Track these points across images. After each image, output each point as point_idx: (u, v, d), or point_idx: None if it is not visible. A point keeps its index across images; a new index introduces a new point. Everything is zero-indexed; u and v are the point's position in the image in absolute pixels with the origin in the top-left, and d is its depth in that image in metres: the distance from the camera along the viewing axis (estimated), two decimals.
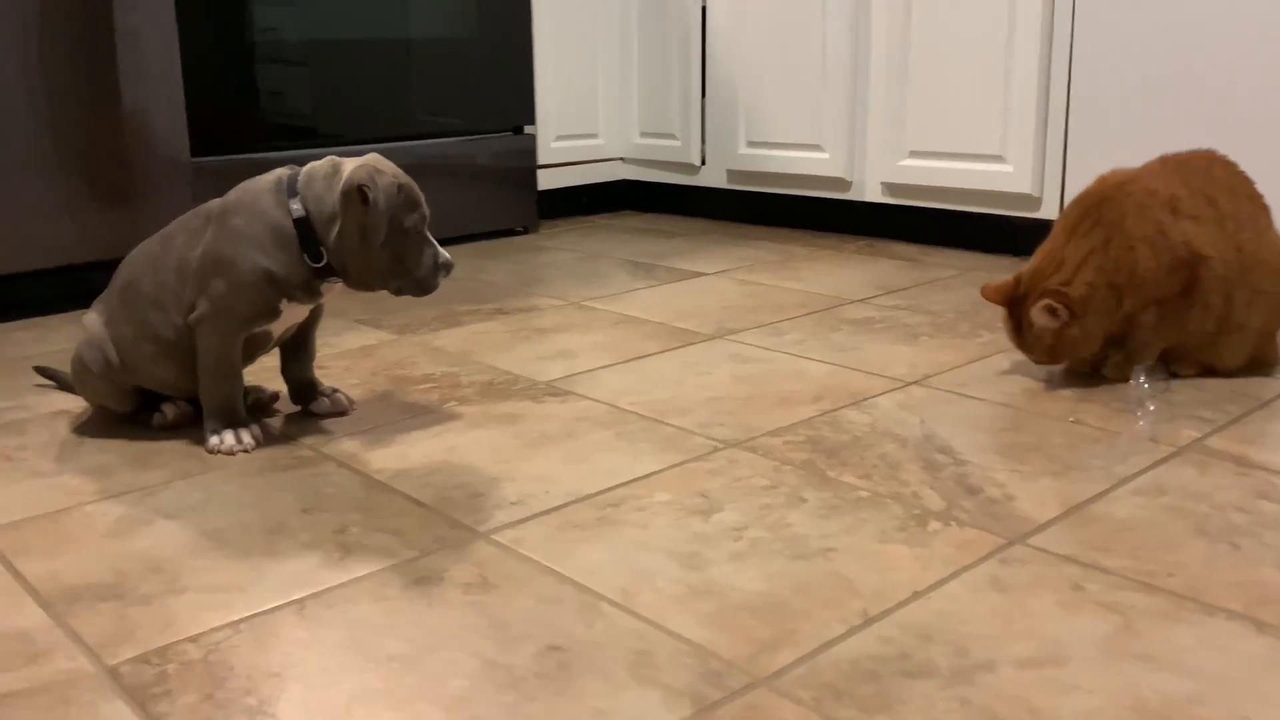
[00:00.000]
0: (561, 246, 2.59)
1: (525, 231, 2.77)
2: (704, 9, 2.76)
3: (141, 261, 1.32)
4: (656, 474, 1.19)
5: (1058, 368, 1.54)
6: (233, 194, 1.26)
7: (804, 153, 2.58)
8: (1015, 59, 2.21)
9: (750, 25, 2.63)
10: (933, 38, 2.32)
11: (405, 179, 1.25)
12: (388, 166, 1.25)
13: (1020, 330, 1.46)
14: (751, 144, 2.69)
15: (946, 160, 2.35)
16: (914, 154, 2.39)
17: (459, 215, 2.62)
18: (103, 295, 1.36)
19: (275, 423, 1.38)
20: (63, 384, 1.51)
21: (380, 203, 1.22)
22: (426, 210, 1.27)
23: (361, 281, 1.25)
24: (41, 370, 1.53)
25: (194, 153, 2.08)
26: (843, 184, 2.54)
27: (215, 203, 1.28)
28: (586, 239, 2.68)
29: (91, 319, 1.34)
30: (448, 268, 1.27)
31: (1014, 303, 1.46)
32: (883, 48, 2.41)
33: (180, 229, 1.29)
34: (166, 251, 1.29)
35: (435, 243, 1.27)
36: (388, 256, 1.24)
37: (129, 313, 1.30)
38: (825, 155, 2.54)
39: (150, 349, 1.29)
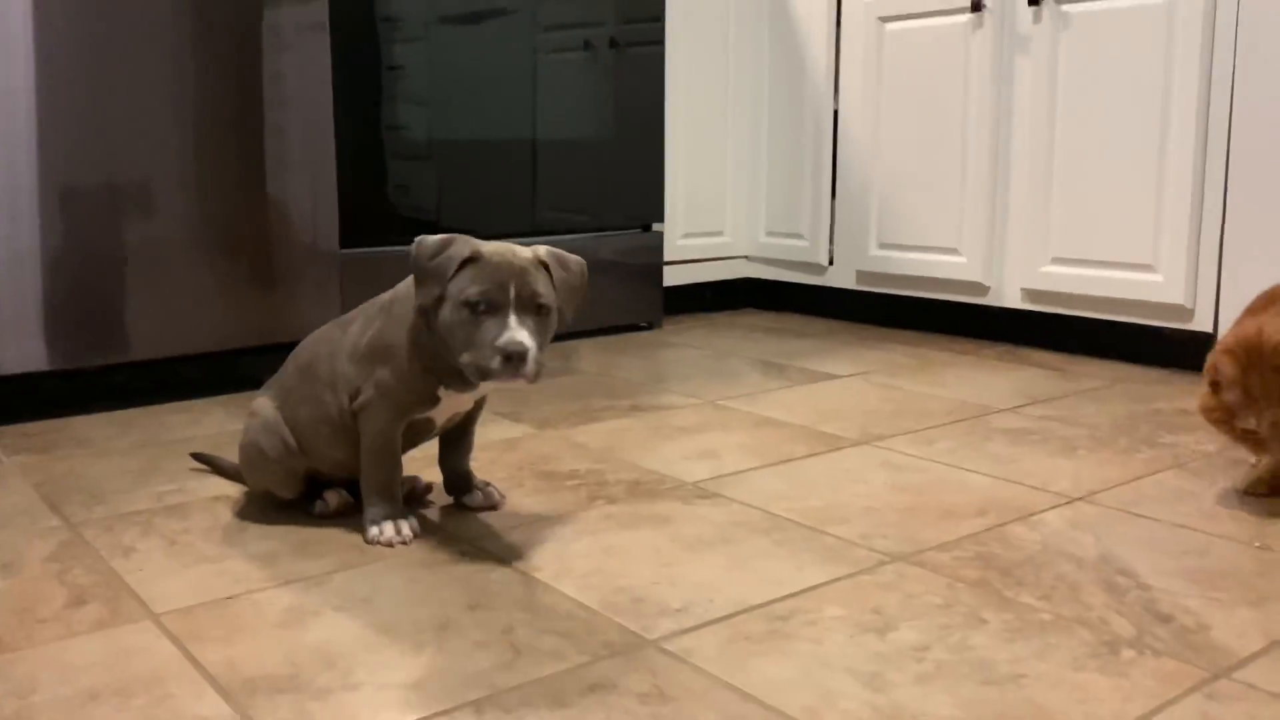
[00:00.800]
0: (688, 343, 2.60)
1: (650, 327, 2.80)
2: (836, 113, 2.80)
3: (320, 345, 1.37)
4: (824, 586, 1.17)
5: (1229, 488, 1.48)
6: (402, 284, 1.31)
7: (940, 256, 2.57)
8: (1168, 164, 2.18)
9: (885, 128, 2.65)
10: (1079, 142, 2.30)
11: (508, 258, 1.19)
12: (524, 253, 1.21)
13: (1249, 400, 1.35)
14: (883, 245, 2.69)
15: (1092, 268, 2.31)
16: (1057, 260, 2.36)
17: (587, 311, 2.66)
18: (272, 380, 1.42)
19: (429, 514, 1.40)
20: (220, 469, 1.55)
21: (415, 256, 1.22)
22: (515, 291, 1.17)
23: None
24: (199, 456, 1.59)
25: (343, 244, 2.17)
26: (980, 289, 2.52)
27: (388, 293, 1.33)
28: (713, 336, 2.69)
29: (264, 403, 1.39)
30: (506, 353, 1.15)
31: (1249, 368, 1.36)
32: (1025, 151, 2.40)
33: (358, 314, 1.33)
34: (343, 336, 1.34)
35: (514, 325, 1.16)
36: (452, 333, 1.20)
37: (306, 393, 1.34)
38: (962, 259, 2.53)
39: (326, 430, 1.33)
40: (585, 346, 2.56)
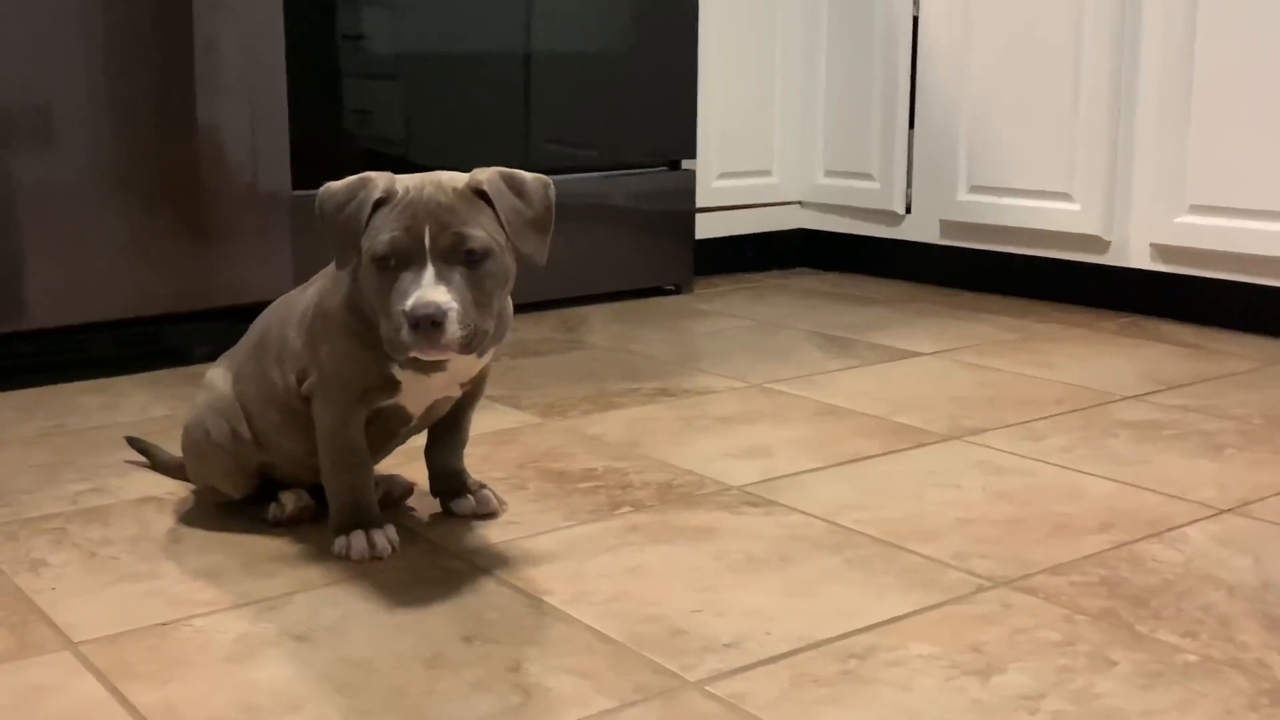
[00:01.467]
0: (726, 311, 2.60)
1: (677, 291, 2.81)
2: (915, 20, 2.78)
3: (276, 310, 1.37)
4: (908, 617, 1.17)
5: None
6: None
7: (1047, 202, 2.56)
8: None
9: (979, 41, 2.64)
10: (1225, 60, 2.29)
11: (427, 192, 1.18)
12: (451, 182, 1.20)
13: None
14: (975, 189, 2.68)
15: (1240, 219, 2.30)
16: (1196, 209, 2.35)
17: (595, 269, 2.67)
18: (231, 349, 1.42)
19: (410, 522, 1.41)
20: (156, 462, 1.57)
21: (319, 212, 1.21)
22: (431, 236, 1.15)
23: None
24: (134, 443, 1.60)
25: (296, 185, 2.17)
26: (1098, 244, 2.51)
27: None
28: (756, 303, 2.69)
29: (216, 377, 1.39)
30: (413, 318, 1.13)
31: None
32: (1156, 71, 2.39)
33: (322, 273, 1.34)
34: (298, 300, 1.34)
35: (428, 280, 1.15)
36: (370, 300, 1.20)
37: (256, 369, 1.35)
38: (1075, 207, 2.52)
39: (275, 415, 1.34)
40: (596, 314, 2.56)
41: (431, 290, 1.15)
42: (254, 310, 1.45)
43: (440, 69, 2.44)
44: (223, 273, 2.12)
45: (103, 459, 1.62)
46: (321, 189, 1.23)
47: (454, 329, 1.15)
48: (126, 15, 1.98)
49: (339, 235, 1.21)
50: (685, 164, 2.80)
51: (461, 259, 1.18)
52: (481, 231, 1.19)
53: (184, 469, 1.47)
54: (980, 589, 1.24)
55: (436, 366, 1.27)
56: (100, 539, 1.36)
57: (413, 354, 1.17)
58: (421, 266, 1.16)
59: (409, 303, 1.14)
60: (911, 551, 1.33)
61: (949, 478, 1.56)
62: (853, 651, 1.11)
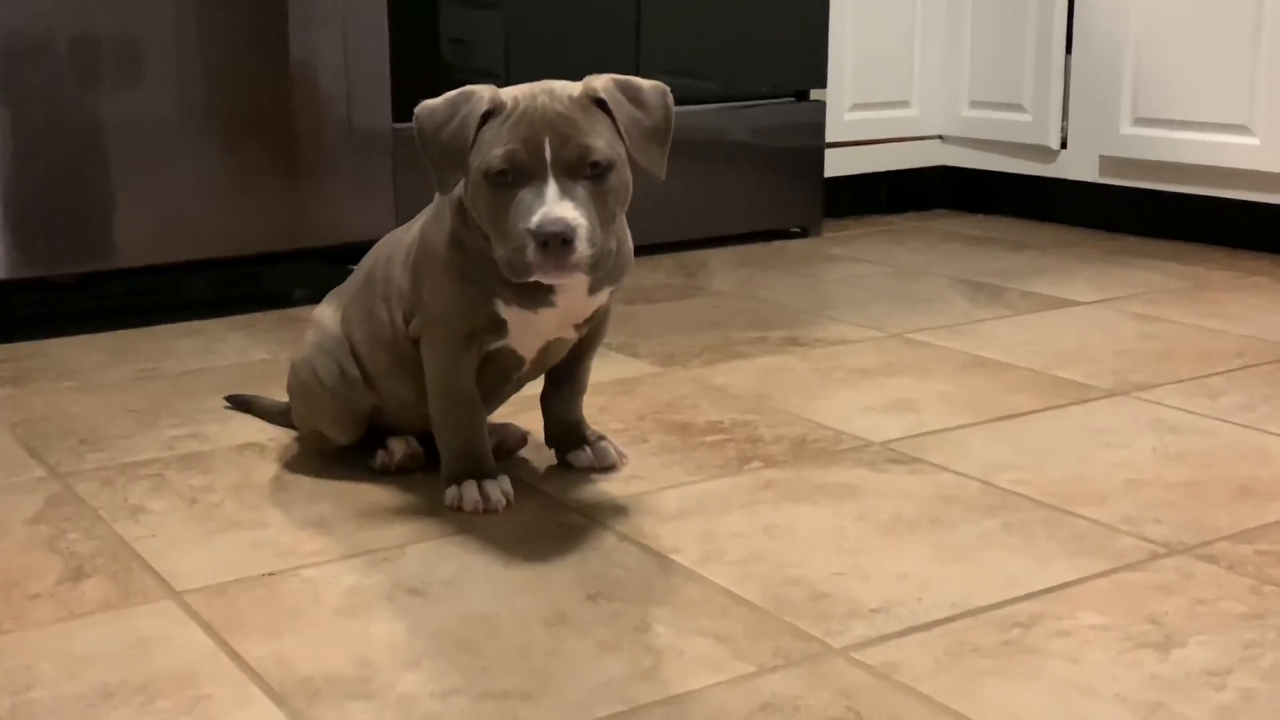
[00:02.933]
0: (859, 255, 2.58)
1: (804, 234, 2.78)
2: None
3: (384, 247, 1.39)
4: (1076, 585, 1.15)
5: None
6: None
7: (1222, 136, 2.48)
8: None
9: None
10: None
11: (542, 103, 1.17)
12: (565, 91, 1.19)
13: None
14: (1140, 121, 2.61)
15: None
16: None
17: (715, 210, 2.65)
18: (339, 287, 1.44)
19: (524, 474, 1.42)
20: (259, 410, 1.60)
21: (418, 132, 1.21)
22: (552, 148, 1.15)
23: None
24: (235, 400, 1.63)
25: (397, 118, 2.19)
26: (1278, 181, 2.43)
27: None
28: (893, 247, 2.66)
29: (324, 315, 1.42)
30: (540, 236, 1.13)
31: None
32: None
33: (429, 207, 1.34)
34: (404, 235, 1.36)
35: (552, 196, 1.14)
36: (483, 221, 1.21)
37: (364, 307, 1.37)
38: (1254, 141, 2.44)
39: (384, 357, 1.35)
40: (716, 259, 2.55)
41: (558, 205, 1.14)
42: (354, 251, 1.48)
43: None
44: (321, 211, 2.15)
45: (200, 403, 1.66)
46: (418, 107, 1.24)
47: (583, 247, 1.15)
48: None
49: (442, 155, 1.21)
50: (814, 94, 2.77)
51: (585, 172, 1.17)
52: (604, 142, 1.19)
53: (288, 414, 1.50)
54: (1156, 556, 1.21)
55: (545, 303, 1.27)
56: (201, 486, 1.39)
57: (536, 276, 1.17)
58: (542, 181, 1.16)
59: (534, 220, 1.14)
60: (1077, 515, 1.31)
61: (1117, 437, 1.53)
62: (1016, 620, 1.09)
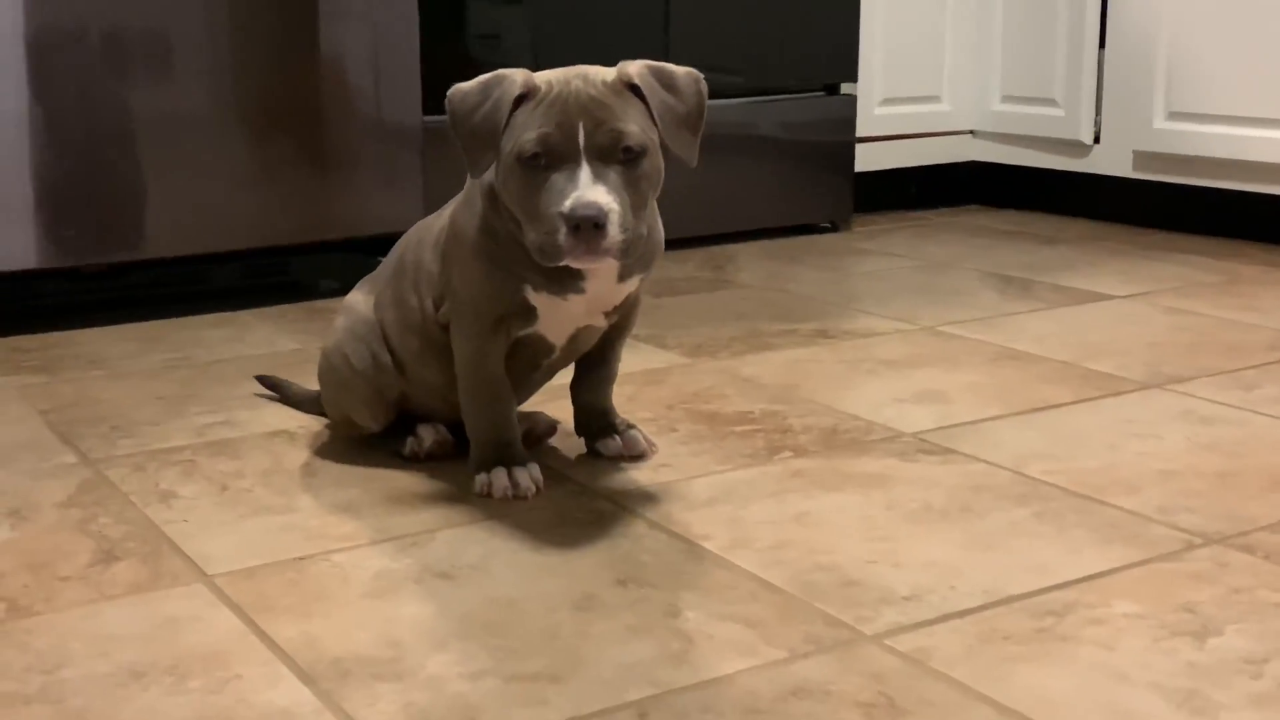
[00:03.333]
0: (889, 250, 2.57)
1: (833, 229, 2.78)
2: None
3: (414, 233, 1.39)
4: (1109, 574, 1.15)
5: None
6: None
7: (1257, 130, 2.46)
8: None
9: None
10: None
11: (576, 87, 1.17)
12: (599, 76, 1.19)
13: None
14: (1174, 115, 2.60)
15: None
16: None
17: (744, 204, 2.65)
18: (372, 273, 1.45)
19: (554, 462, 1.42)
20: (287, 396, 1.61)
21: (450, 115, 1.21)
22: (585, 133, 1.15)
23: None
24: (264, 380, 1.64)
25: (427, 110, 2.19)
26: None
27: None
28: (924, 241, 2.65)
29: (356, 301, 1.42)
30: (573, 220, 1.13)
31: None
32: None
33: (463, 192, 1.35)
34: (435, 222, 1.36)
35: (585, 180, 1.14)
36: (514, 204, 1.20)
37: (396, 293, 1.37)
38: None
39: (415, 343, 1.36)
40: (745, 253, 2.55)
41: (590, 190, 1.14)
42: (383, 242, 1.48)
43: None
44: (349, 203, 2.15)
45: (230, 391, 1.67)
46: (451, 90, 1.23)
47: (615, 232, 1.15)
48: None
49: (474, 137, 1.21)
50: (844, 88, 2.76)
51: (618, 157, 1.17)
52: (637, 128, 1.18)
53: (317, 402, 1.51)
54: (1190, 546, 1.20)
55: (574, 289, 1.27)
56: (231, 471, 1.40)
57: (567, 260, 1.17)
58: (576, 165, 1.16)
59: (567, 204, 1.14)
60: (1110, 505, 1.30)
61: (1149, 427, 1.52)
62: (1049, 609, 1.08)
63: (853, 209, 2.80)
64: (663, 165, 1.23)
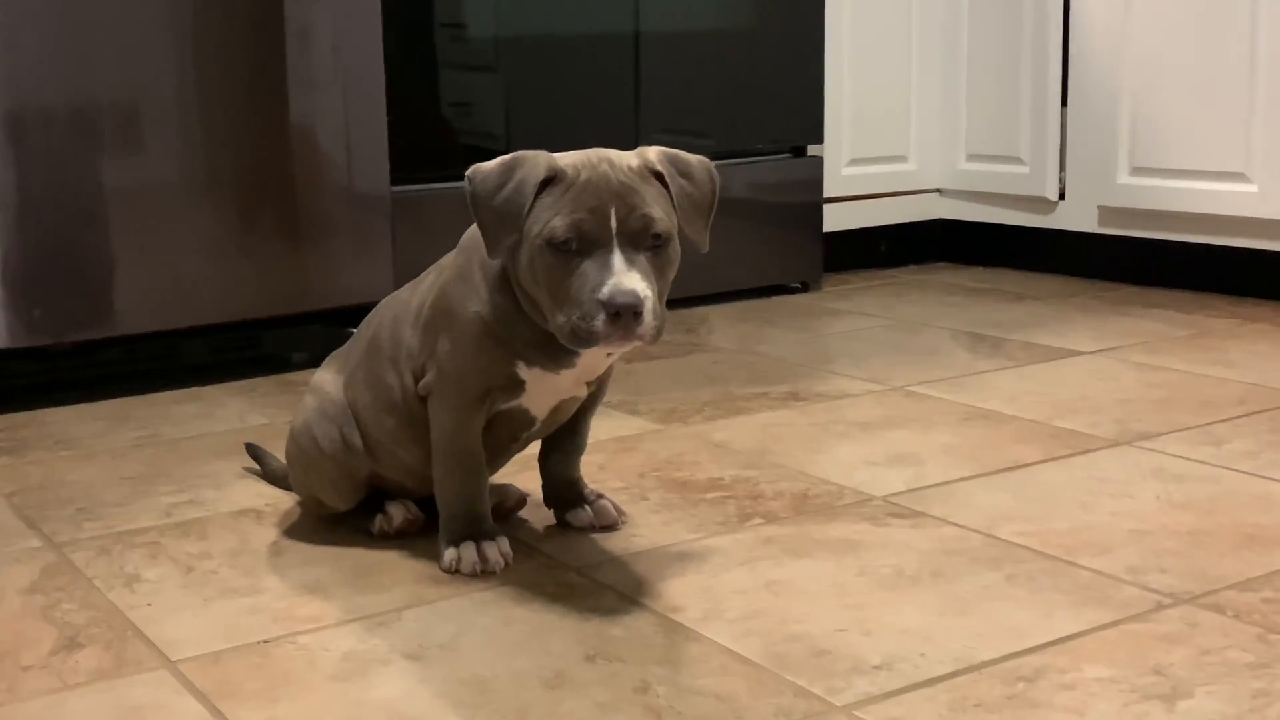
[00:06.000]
0: (860, 309, 2.58)
1: (805, 289, 2.79)
2: None
3: (388, 308, 1.39)
4: (1081, 637, 1.14)
5: None
6: (474, 226, 1.31)
7: (1219, 184, 2.49)
8: None
9: (1140, 4, 2.58)
10: None
11: (604, 173, 1.18)
12: (623, 161, 1.20)
13: None
14: (1137, 170, 2.62)
15: None
16: None
17: (714, 266, 2.62)
18: (339, 350, 1.44)
19: (523, 535, 1.41)
20: (267, 470, 1.60)
21: (471, 195, 1.21)
22: (617, 219, 1.16)
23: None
24: (251, 449, 1.64)
25: (395, 181, 2.20)
26: (1277, 229, 2.43)
27: (466, 234, 1.33)
28: (894, 300, 2.66)
29: (325, 380, 1.42)
30: (613, 307, 1.13)
31: None
32: None
33: (435, 268, 1.35)
34: (412, 297, 1.36)
35: (619, 267, 1.15)
36: (537, 287, 1.20)
37: (369, 373, 1.37)
38: (1251, 188, 2.45)
39: (391, 423, 1.35)
40: (717, 314, 2.55)
41: (627, 277, 1.15)
42: (354, 313, 1.48)
43: (543, 55, 2.45)
44: (320, 274, 2.15)
45: (198, 469, 1.66)
46: (471, 170, 1.23)
47: (650, 318, 1.15)
48: (218, 11, 2.03)
49: (497, 219, 1.20)
50: (812, 150, 2.79)
51: (648, 243, 1.18)
52: (666, 212, 1.20)
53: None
54: (1160, 606, 1.20)
55: (567, 364, 1.27)
56: (198, 553, 1.39)
57: (601, 345, 1.17)
58: (608, 251, 1.16)
59: (605, 290, 1.14)
60: (1081, 566, 1.30)
61: (1121, 486, 1.52)
62: (1020, 674, 1.08)
63: (823, 268, 2.82)
64: (680, 252, 1.24)
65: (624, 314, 1.14)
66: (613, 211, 1.17)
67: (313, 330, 2.17)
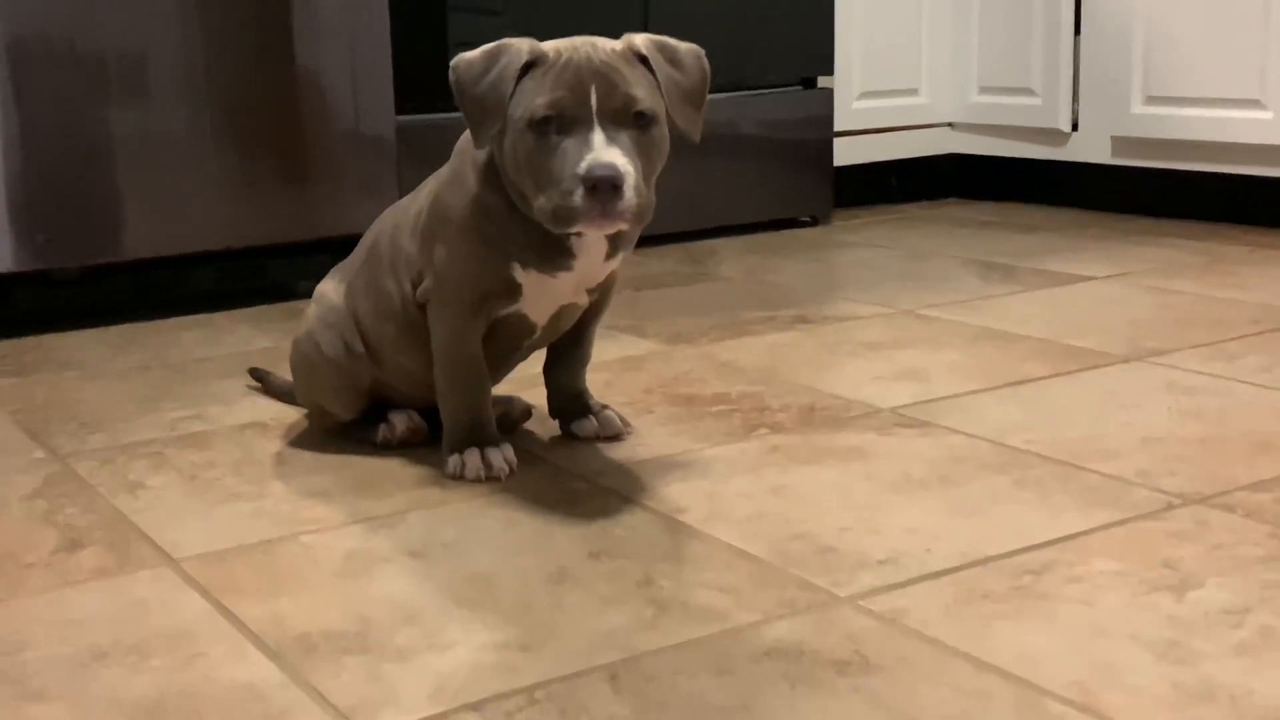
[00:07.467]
0: (870, 241, 2.56)
1: (814, 223, 2.77)
2: None
3: (388, 218, 1.38)
4: (1089, 534, 1.13)
5: None
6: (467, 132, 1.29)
7: (1233, 111, 2.46)
8: None
9: None
10: None
11: (585, 54, 1.17)
12: (607, 44, 1.19)
13: None
14: (1151, 99, 2.59)
15: None
16: None
17: (722, 200, 2.64)
18: (343, 261, 1.43)
19: (528, 445, 1.40)
20: (270, 387, 1.60)
21: (456, 85, 1.20)
22: (598, 97, 1.14)
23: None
24: (254, 372, 1.63)
25: (401, 110, 2.18)
26: None
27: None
28: (905, 232, 2.64)
29: (327, 289, 1.41)
30: (590, 180, 1.11)
31: None
32: None
33: (434, 177, 1.33)
34: (410, 205, 1.35)
35: (599, 143, 1.13)
36: (520, 171, 1.18)
37: (370, 280, 1.36)
38: (1266, 114, 2.42)
39: (391, 329, 1.34)
40: (726, 247, 2.54)
41: (606, 151, 1.13)
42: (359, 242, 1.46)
43: None
44: (327, 204, 2.14)
45: (203, 388, 1.65)
46: (455, 59, 1.22)
47: (630, 194, 1.13)
48: None
49: (480, 106, 1.19)
50: (822, 82, 2.76)
51: (630, 122, 1.16)
52: (651, 93, 1.18)
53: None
54: (1171, 506, 1.19)
55: (563, 267, 1.25)
56: (202, 462, 1.38)
57: (581, 225, 1.15)
58: (588, 129, 1.14)
59: (583, 165, 1.12)
60: (1090, 470, 1.28)
61: (1132, 398, 1.51)
62: (1027, 568, 1.07)
63: (833, 203, 2.80)
64: (668, 138, 1.22)
65: (601, 187, 1.12)
66: (593, 90, 1.15)
67: (319, 260, 2.16)
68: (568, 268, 1.26)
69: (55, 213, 1.94)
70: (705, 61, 1.25)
